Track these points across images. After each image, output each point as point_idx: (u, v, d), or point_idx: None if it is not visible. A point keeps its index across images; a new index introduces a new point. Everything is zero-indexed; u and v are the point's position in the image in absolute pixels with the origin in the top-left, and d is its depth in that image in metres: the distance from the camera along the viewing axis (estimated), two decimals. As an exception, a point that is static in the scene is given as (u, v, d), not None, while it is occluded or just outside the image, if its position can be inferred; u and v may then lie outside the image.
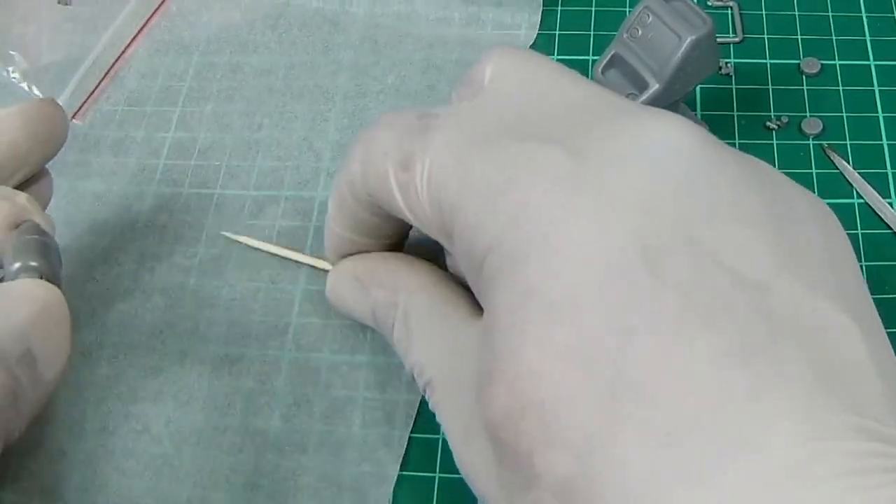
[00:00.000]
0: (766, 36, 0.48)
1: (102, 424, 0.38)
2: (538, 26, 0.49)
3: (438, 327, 0.30)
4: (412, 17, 0.50)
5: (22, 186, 0.36)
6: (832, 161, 0.44)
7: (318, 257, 0.40)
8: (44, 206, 0.37)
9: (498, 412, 0.23)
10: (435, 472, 0.36)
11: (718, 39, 0.44)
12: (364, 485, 0.35)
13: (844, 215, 0.35)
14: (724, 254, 0.22)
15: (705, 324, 0.21)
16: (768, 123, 0.45)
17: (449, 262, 0.34)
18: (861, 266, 0.31)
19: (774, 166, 0.44)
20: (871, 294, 0.25)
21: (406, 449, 0.36)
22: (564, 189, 0.24)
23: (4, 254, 0.32)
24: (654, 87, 0.39)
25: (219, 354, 0.39)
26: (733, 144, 0.45)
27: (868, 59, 0.47)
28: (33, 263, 0.32)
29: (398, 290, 0.33)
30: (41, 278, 0.32)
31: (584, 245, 0.23)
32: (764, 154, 0.44)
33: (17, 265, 0.32)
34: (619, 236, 0.23)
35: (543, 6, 0.50)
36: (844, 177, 0.43)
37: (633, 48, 0.39)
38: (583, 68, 0.48)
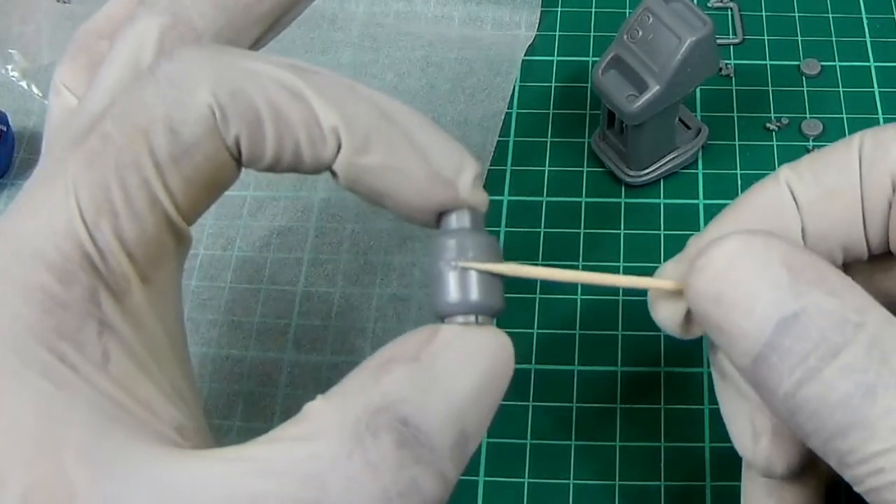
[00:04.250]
0: (766, 37, 0.48)
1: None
2: (537, 26, 0.49)
3: None
4: (411, 15, 0.50)
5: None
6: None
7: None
8: None
9: None
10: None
11: (718, 41, 0.44)
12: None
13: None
14: None
15: None
16: (768, 125, 0.45)
17: None
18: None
19: (774, 168, 0.44)
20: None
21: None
22: None
23: (438, 260, 0.24)
24: (655, 88, 0.39)
25: (220, 356, 0.39)
26: (733, 145, 0.45)
27: (868, 61, 0.47)
28: (475, 300, 0.23)
29: (862, 305, 0.22)
30: (480, 318, 0.24)
31: None
32: (764, 155, 0.44)
33: (454, 299, 0.23)
34: None
35: (543, 6, 0.50)
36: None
37: (633, 49, 0.39)
38: (582, 69, 0.48)
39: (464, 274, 0.23)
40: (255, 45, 0.29)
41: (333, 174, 0.24)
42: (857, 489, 0.22)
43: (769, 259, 0.22)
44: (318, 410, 0.21)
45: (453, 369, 0.22)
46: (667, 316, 0.26)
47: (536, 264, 0.42)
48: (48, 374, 0.21)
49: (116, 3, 0.29)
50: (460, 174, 0.24)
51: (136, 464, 0.21)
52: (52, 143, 0.26)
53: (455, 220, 0.24)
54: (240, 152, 0.24)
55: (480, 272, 0.23)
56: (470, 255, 0.23)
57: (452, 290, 0.23)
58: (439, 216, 0.25)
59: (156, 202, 0.23)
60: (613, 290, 0.41)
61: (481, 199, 0.25)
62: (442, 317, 0.24)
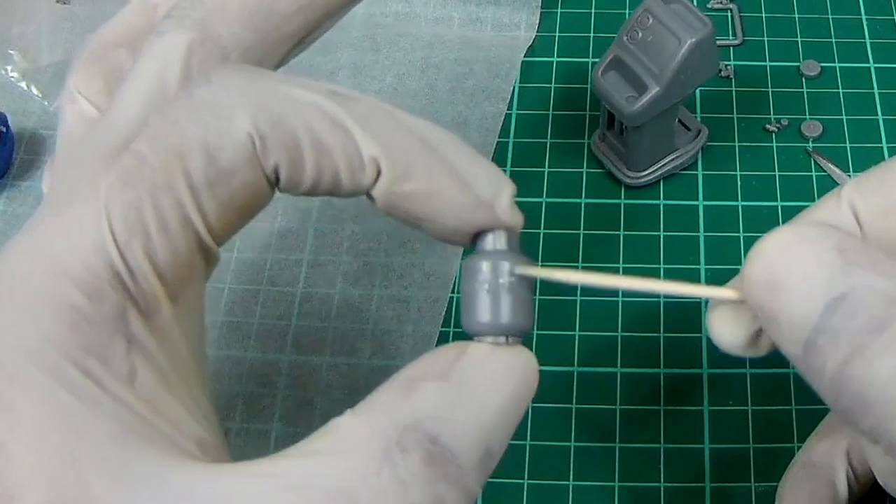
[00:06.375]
0: (765, 38, 0.48)
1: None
2: (537, 27, 0.49)
3: None
4: (411, 16, 0.50)
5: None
6: (819, 164, 0.44)
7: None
8: None
9: None
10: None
11: (718, 42, 0.44)
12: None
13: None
14: None
15: None
16: (768, 126, 0.45)
17: None
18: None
19: (774, 169, 0.44)
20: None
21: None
22: None
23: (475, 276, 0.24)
24: (654, 89, 0.39)
25: (220, 357, 0.39)
26: (733, 147, 0.45)
27: (868, 62, 0.47)
28: (506, 321, 0.23)
29: None
30: (510, 339, 0.23)
31: None
32: (763, 157, 0.44)
33: (485, 319, 0.23)
34: None
35: (543, 7, 0.50)
36: (833, 180, 0.43)
37: (633, 51, 0.39)
38: (582, 70, 0.48)
39: (496, 296, 0.23)
40: (282, 62, 0.29)
41: (370, 197, 0.24)
42: None
43: (822, 245, 0.22)
44: (347, 425, 0.21)
45: (481, 388, 0.22)
46: (729, 331, 0.25)
47: (542, 265, 0.42)
48: (73, 389, 0.21)
49: (130, 12, 0.29)
50: (498, 196, 0.24)
51: (159, 477, 0.21)
52: (76, 154, 0.25)
53: (491, 241, 0.24)
54: (277, 178, 0.24)
55: (513, 295, 0.23)
56: (506, 277, 0.23)
57: (484, 311, 0.23)
58: (475, 236, 0.25)
59: (188, 224, 0.23)
60: (614, 293, 0.41)
61: (518, 220, 0.25)
62: (472, 335, 0.24)
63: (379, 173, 0.23)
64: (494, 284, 0.23)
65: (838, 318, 0.21)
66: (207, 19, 0.26)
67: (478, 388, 0.22)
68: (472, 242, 0.25)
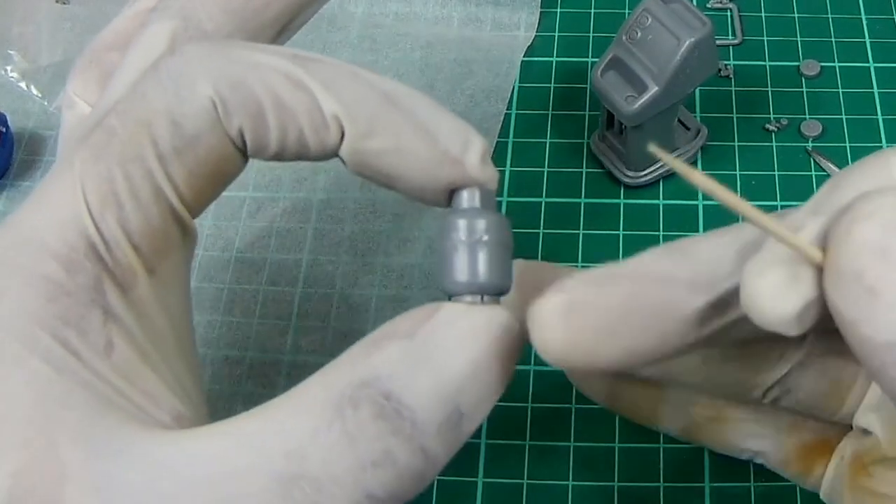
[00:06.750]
0: (765, 38, 0.48)
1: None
2: (536, 27, 0.49)
3: None
4: (410, 16, 0.50)
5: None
6: (819, 163, 0.44)
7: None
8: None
9: None
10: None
11: (717, 41, 0.44)
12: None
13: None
14: None
15: None
16: (767, 126, 0.45)
17: None
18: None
19: (773, 169, 0.44)
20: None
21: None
22: None
23: (450, 233, 0.23)
24: (654, 89, 0.39)
25: (219, 357, 0.39)
26: (732, 146, 0.45)
27: (867, 62, 0.47)
28: (483, 280, 0.23)
29: None
30: (486, 298, 0.23)
31: None
32: (763, 156, 0.44)
33: (461, 278, 0.23)
34: None
35: (542, 7, 0.50)
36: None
37: (633, 50, 0.39)
38: (581, 70, 0.48)
39: (472, 253, 0.23)
40: None
41: (342, 160, 0.25)
42: None
43: None
44: (309, 384, 0.22)
45: (449, 347, 0.22)
46: (786, 298, 0.19)
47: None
48: (50, 359, 0.21)
49: (123, 19, 0.30)
50: (467, 151, 0.24)
51: (128, 445, 0.21)
52: (66, 145, 0.27)
53: (465, 199, 0.24)
54: (244, 143, 0.24)
55: (488, 253, 0.23)
56: (479, 234, 0.23)
57: (459, 269, 0.23)
58: (450, 194, 0.24)
59: (160, 193, 0.23)
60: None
61: (490, 175, 0.25)
62: (449, 295, 0.23)
63: (344, 132, 0.24)
64: (467, 242, 0.23)
65: None
66: (187, 7, 0.27)
67: (444, 346, 0.22)
68: (448, 202, 0.25)
